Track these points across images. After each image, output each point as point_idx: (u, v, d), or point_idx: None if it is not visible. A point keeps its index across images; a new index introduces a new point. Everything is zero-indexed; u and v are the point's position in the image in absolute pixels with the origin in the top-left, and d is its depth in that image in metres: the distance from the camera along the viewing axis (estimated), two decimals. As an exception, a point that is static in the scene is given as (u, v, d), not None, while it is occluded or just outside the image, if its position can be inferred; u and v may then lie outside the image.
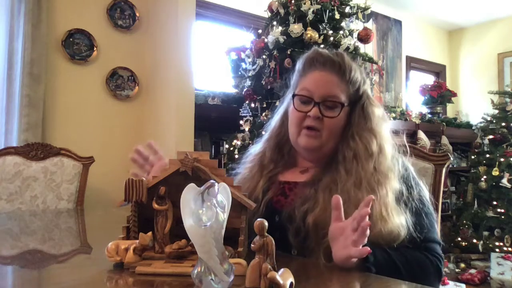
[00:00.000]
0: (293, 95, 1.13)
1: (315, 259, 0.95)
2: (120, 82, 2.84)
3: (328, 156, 1.11)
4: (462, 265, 3.73)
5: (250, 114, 2.61)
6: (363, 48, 2.61)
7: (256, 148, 1.26)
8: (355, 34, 2.57)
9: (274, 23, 2.63)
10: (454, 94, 4.69)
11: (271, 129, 1.24)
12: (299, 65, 1.17)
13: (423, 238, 0.98)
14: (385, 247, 0.94)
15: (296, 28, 2.38)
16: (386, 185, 0.99)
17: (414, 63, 5.17)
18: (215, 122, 3.04)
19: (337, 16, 2.46)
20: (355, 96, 1.12)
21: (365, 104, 1.11)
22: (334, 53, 1.14)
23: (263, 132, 1.32)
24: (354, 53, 2.47)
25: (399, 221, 0.94)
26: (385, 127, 1.11)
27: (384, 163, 1.03)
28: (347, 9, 2.56)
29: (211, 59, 3.44)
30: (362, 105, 1.11)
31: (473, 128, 4.76)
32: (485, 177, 3.88)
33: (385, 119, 1.13)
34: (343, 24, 2.52)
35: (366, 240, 0.82)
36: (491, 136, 4.07)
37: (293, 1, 2.48)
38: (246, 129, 2.57)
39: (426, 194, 1.07)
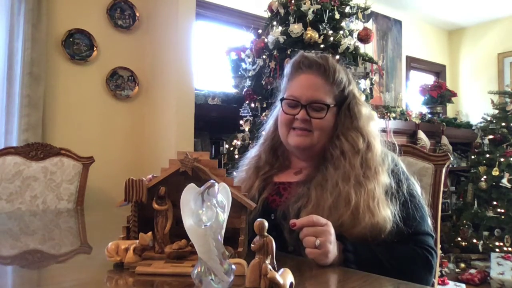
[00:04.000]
0: (281, 99, 1.18)
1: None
2: (120, 82, 2.84)
3: (318, 155, 1.16)
4: (462, 265, 3.73)
5: (250, 114, 2.61)
6: (363, 48, 2.61)
7: (251, 153, 1.31)
8: (355, 34, 2.57)
9: (274, 23, 2.63)
10: (454, 94, 4.69)
11: (266, 134, 1.29)
12: (287, 69, 1.22)
13: (412, 231, 1.02)
14: (371, 243, 0.98)
15: (296, 28, 2.38)
16: (374, 179, 1.03)
17: (414, 63, 5.17)
18: (215, 122, 3.03)
19: (337, 16, 2.46)
20: (341, 96, 1.16)
21: (351, 104, 1.16)
22: (319, 56, 1.18)
23: (263, 133, 1.35)
24: (354, 53, 2.46)
25: (386, 214, 0.99)
26: (372, 125, 1.15)
27: (372, 158, 1.07)
28: (347, 9, 2.55)
29: (211, 59, 3.44)
30: (348, 105, 1.16)
31: (473, 128, 4.77)
32: (485, 177, 3.88)
33: (372, 117, 1.18)
34: (343, 24, 2.52)
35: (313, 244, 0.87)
36: (491, 136, 4.07)
37: (293, 1, 2.48)
38: (246, 129, 2.57)
39: (418, 189, 1.11)
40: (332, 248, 0.89)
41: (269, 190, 1.16)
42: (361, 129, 1.12)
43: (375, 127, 1.16)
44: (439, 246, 1.32)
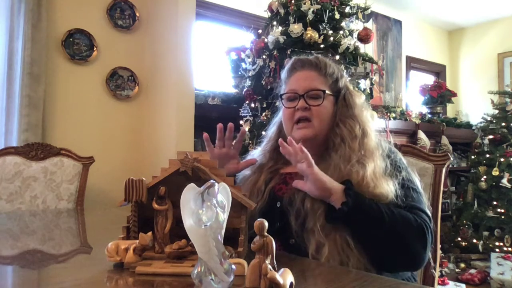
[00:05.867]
0: (281, 95, 1.27)
1: (314, 244, 1.01)
2: (120, 82, 2.84)
3: (321, 147, 1.22)
4: (462, 265, 3.73)
5: (250, 114, 2.61)
6: (363, 48, 2.61)
7: (254, 154, 1.37)
8: (355, 34, 2.57)
9: (274, 23, 2.63)
10: (454, 94, 4.69)
11: (269, 136, 1.36)
12: (283, 74, 1.32)
13: (409, 205, 1.06)
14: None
15: (296, 28, 2.38)
16: (371, 160, 1.10)
17: (414, 63, 5.17)
18: (215, 122, 3.03)
19: (337, 16, 2.46)
20: (336, 87, 1.25)
21: (346, 94, 1.25)
22: (311, 56, 1.29)
23: (263, 133, 1.37)
24: (354, 53, 2.46)
25: (388, 186, 1.05)
26: (365, 114, 1.24)
27: (369, 143, 1.15)
28: (347, 9, 2.55)
29: (211, 59, 3.44)
30: (344, 96, 1.25)
31: (473, 128, 4.76)
32: (485, 177, 3.88)
33: (365, 107, 1.27)
34: (343, 24, 2.52)
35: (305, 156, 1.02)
36: (491, 136, 4.07)
37: (293, 1, 2.48)
38: (246, 129, 2.57)
39: (417, 181, 1.16)
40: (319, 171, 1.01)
41: (276, 180, 1.22)
42: (357, 117, 1.20)
43: (368, 116, 1.24)
44: (439, 246, 1.32)
